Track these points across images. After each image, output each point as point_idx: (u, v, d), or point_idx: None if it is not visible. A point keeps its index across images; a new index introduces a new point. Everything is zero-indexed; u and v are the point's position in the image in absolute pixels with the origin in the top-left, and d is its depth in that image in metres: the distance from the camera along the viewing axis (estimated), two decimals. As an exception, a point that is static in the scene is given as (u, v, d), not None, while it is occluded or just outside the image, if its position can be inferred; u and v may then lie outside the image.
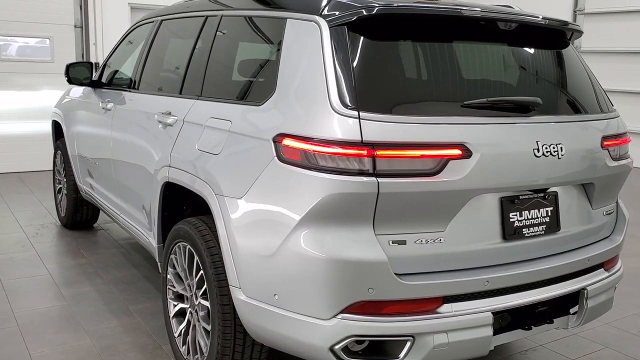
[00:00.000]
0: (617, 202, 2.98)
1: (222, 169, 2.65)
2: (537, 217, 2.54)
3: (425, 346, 2.27)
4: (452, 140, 2.25)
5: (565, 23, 2.78)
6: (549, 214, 2.58)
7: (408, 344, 2.27)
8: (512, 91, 2.61)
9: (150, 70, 3.88)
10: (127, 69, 4.22)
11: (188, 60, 3.34)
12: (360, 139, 2.17)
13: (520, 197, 2.48)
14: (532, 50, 2.74)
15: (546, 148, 2.44)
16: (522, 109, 2.47)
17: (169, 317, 3.21)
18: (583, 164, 2.61)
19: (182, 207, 3.36)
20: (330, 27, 2.39)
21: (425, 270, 2.31)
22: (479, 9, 2.51)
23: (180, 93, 3.31)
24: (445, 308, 2.31)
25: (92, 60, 8.44)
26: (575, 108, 2.69)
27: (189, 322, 3.05)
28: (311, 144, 2.25)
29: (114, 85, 4.40)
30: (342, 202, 2.20)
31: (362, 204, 2.20)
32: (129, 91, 3.98)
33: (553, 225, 2.59)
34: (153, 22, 4.05)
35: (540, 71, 2.73)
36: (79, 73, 4.63)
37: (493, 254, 2.45)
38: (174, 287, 3.16)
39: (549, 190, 2.57)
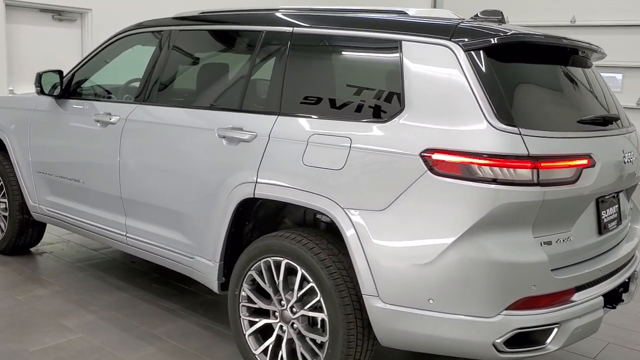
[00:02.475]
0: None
1: (350, 184, 2.74)
2: (613, 214, 3.02)
3: (567, 331, 2.62)
4: (585, 152, 2.63)
5: (598, 47, 3.31)
6: (617, 211, 3.07)
7: (555, 330, 2.60)
8: (590, 108, 3.05)
9: (177, 83, 3.72)
10: (130, 81, 3.98)
11: (248, 75, 3.31)
12: (527, 152, 2.45)
13: (606, 197, 2.94)
14: (586, 71, 3.21)
15: (628, 156, 2.93)
16: (605, 123, 2.93)
17: (244, 335, 3.18)
18: (639, 167, 3.15)
19: (245, 223, 3.34)
20: (464, 51, 2.63)
21: (563, 265, 2.67)
22: (569, 39, 2.93)
23: (241, 108, 3.28)
24: (577, 296, 2.69)
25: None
26: (623, 121, 3.22)
27: (279, 337, 3.06)
28: (476, 158, 2.47)
29: (111, 97, 4.10)
30: (512, 210, 2.47)
31: (528, 211, 2.49)
32: (145, 104, 3.76)
33: (619, 219, 3.10)
34: (161, 31, 3.87)
35: (593, 89, 3.20)
36: (52, 82, 4.22)
37: (595, 247, 2.88)
38: (253, 303, 3.14)
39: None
